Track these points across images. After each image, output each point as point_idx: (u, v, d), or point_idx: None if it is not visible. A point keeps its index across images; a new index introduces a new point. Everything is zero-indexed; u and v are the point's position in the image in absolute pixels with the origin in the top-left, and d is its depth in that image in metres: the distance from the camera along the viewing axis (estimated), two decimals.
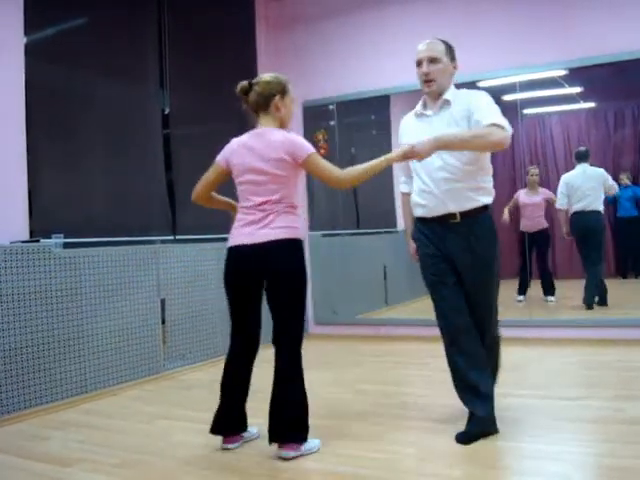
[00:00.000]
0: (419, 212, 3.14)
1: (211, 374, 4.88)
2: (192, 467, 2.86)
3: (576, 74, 5.59)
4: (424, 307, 6.68)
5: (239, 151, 3.05)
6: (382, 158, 2.95)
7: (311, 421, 3.32)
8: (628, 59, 5.02)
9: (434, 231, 3.08)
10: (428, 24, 5.80)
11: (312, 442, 2.99)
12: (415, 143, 2.84)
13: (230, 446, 3.08)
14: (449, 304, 3.08)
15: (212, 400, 4.07)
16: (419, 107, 3.17)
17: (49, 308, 3.95)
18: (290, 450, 2.89)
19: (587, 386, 3.87)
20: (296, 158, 2.95)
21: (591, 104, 7.52)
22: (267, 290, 3.02)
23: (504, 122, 2.81)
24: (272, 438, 2.93)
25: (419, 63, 3.05)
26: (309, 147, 2.99)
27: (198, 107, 5.69)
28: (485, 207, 3.04)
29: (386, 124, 6.69)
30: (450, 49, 3.08)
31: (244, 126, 6.14)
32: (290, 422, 2.92)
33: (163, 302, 4.82)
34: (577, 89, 6.74)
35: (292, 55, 6.48)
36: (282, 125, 3.09)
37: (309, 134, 6.38)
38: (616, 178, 6.87)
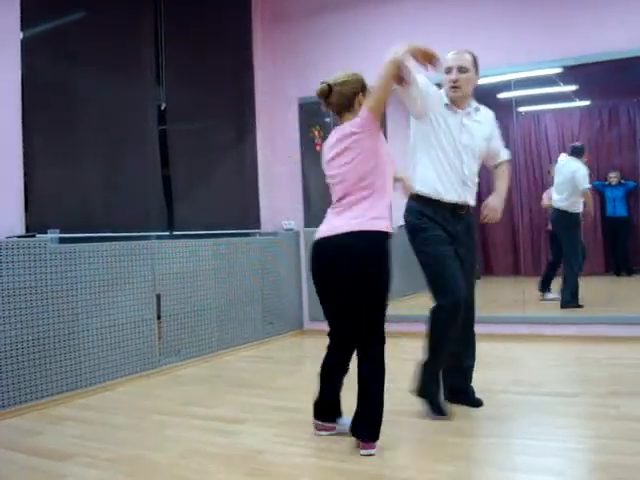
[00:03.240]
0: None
1: (206, 369, 4.90)
2: (187, 461, 2.87)
3: (571, 72, 5.60)
4: (418, 303, 6.70)
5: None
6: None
7: (305, 417, 3.35)
8: (623, 57, 5.03)
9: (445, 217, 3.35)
10: (424, 21, 5.81)
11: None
12: (490, 200, 3.40)
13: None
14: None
15: (207, 395, 4.09)
16: (445, 98, 3.35)
17: (45, 303, 3.95)
18: None
19: (580, 383, 3.90)
20: None
21: (586, 102, 7.55)
22: None
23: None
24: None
25: (449, 70, 3.30)
26: None
27: (194, 103, 5.69)
28: None
29: (382, 118, 6.70)
30: (476, 62, 3.36)
31: (240, 122, 6.21)
32: None
33: (159, 297, 4.82)
34: (572, 87, 6.75)
35: (288, 51, 6.48)
36: None
37: (304, 130, 6.40)
38: (607, 176, 6.92)
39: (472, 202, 3.41)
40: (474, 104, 3.42)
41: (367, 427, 2.90)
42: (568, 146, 6.73)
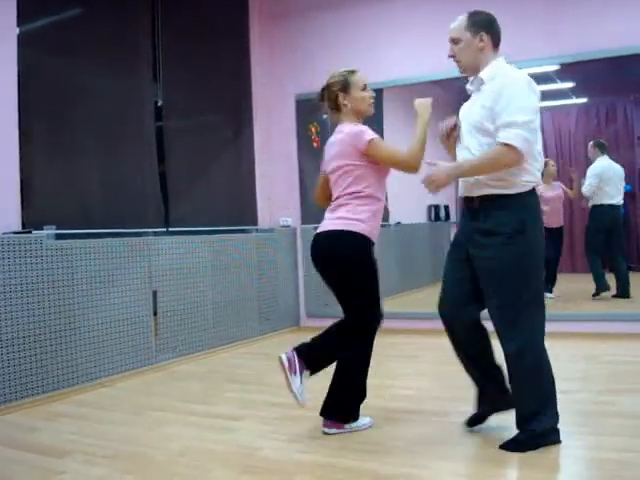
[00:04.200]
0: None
1: (203, 366, 4.90)
2: (184, 458, 2.87)
3: (568, 69, 5.60)
4: (414, 300, 6.71)
5: (326, 150, 3.27)
6: (418, 122, 3.05)
7: (302, 413, 3.34)
8: (620, 55, 5.03)
9: (464, 213, 2.95)
10: (418, 18, 5.81)
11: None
12: (434, 170, 2.80)
13: None
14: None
15: (204, 392, 4.09)
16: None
17: (41, 299, 3.94)
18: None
19: (578, 380, 3.90)
20: (359, 148, 3.05)
21: (583, 99, 7.55)
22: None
23: (518, 140, 2.63)
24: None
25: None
26: (370, 134, 3.07)
27: (191, 99, 5.67)
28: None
29: (379, 118, 6.69)
30: (475, 22, 2.91)
31: (237, 119, 6.20)
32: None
33: (155, 294, 4.82)
34: (569, 84, 6.76)
35: (285, 48, 6.47)
36: (358, 116, 3.20)
37: (302, 127, 6.39)
38: None
39: (482, 191, 2.78)
40: (483, 72, 2.88)
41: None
42: (596, 141, 6.71)
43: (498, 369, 2.95)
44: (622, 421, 3.05)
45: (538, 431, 2.73)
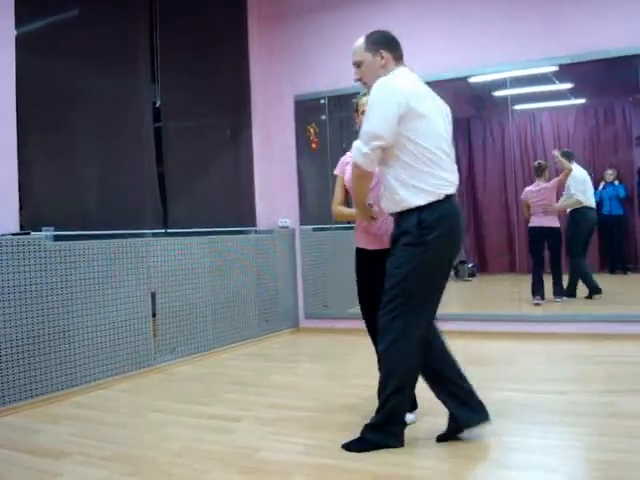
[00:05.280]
0: None
1: (202, 367, 4.89)
2: (183, 459, 2.87)
3: (567, 70, 5.61)
4: None
5: None
6: (356, 211, 3.14)
7: (299, 414, 3.34)
8: (618, 56, 5.05)
9: None
10: (418, 19, 5.81)
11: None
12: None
13: None
14: None
15: (203, 393, 4.09)
16: None
17: (39, 301, 3.93)
18: None
19: (576, 380, 3.91)
20: None
21: (581, 100, 7.55)
22: None
23: (353, 151, 2.75)
24: None
25: None
26: (337, 168, 3.30)
27: (189, 100, 5.67)
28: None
29: None
30: (373, 41, 2.92)
31: (235, 119, 6.20)
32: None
33: (154, 295, 4.81)
34: (567, 85, 6.76)
35: (284, 49, 6.47)
36: None
37: (300, 128, 6.38)
38: (603, 174, 6.95)
39: (387, 207, 2.90)
40: None
41: None
42: (562, 152, 6.81)
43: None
44: (620, 421, 3.04)
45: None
